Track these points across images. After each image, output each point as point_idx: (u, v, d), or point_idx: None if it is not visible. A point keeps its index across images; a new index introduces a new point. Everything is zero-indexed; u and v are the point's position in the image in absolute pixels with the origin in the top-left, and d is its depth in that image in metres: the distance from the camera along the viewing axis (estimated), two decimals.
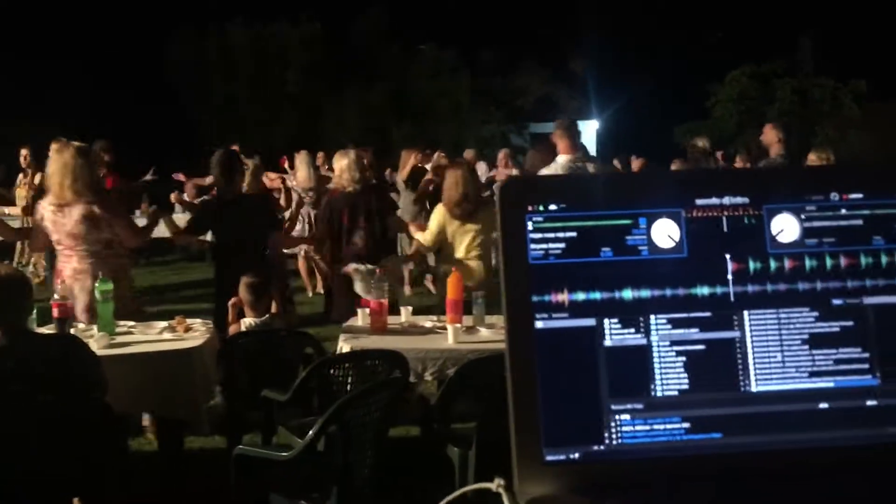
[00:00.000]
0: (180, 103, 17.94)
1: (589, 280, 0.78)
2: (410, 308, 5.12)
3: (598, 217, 0.78)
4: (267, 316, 4.91)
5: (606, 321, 0.78)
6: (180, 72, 18.23)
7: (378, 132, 12.69)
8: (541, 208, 0.77)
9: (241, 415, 4.49)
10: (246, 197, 6.19)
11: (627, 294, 0.78)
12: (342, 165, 6.06)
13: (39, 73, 16.61)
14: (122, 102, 16.82)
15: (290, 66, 19.30)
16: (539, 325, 0.77)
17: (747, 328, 0.79)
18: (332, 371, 4.26)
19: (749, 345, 0.79)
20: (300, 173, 9.10)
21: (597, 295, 0.78)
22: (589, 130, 19.65)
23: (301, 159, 9.23)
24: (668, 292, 0.79)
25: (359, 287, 5.41)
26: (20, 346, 3.22)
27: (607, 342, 0.78)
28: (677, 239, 0.79)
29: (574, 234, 0.78)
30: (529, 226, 0.77)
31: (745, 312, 0.80)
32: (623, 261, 0.78)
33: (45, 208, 4.79)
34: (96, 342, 4.17)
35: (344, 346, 4.55)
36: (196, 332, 4.55)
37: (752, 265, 0.80)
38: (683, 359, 0.79)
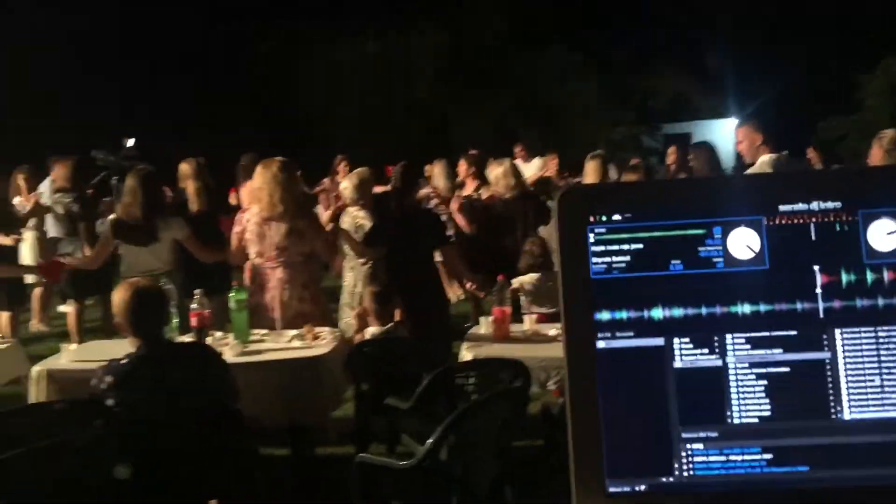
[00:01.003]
0: (311, 116, 18.59)
1: (657, 296, 0.71)
2: (534, 316, 5.05)
3: (666, 227, 0.72)
4: (391, 324, 4.98)
5: (676, 341, 0.71)
6: (312, 85, 18.90)
7: (506, 137, 12.64)
8: (603, 219, 0.72)
9: (367, 423, 4.56)
10: (420, 211, 6.25)
11: (700, 311, 0.71)
12: (498, 173, 6.13)
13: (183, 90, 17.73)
14: (252, 118, 17.64)
15: (419, 75, 19.65)
16: (601, 344, 0.71)
17: (839, 349, 0.71)
18: (454, 379, 4.26)
19: (841, 367, 0.71)
20: (440, 182, 9.19)
21: (666, 312, 0.71)
22: (726, 129, 18.85)
23: (439, 168, 9.35)
24: (747, 309, 0.71)
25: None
26: (158, 355, 3.41)
27: (677, 363, 0.71)
28: (757, 249, 0.72)
29: (640, 245, 0.72)
30: (591, 238, 0.72)
31: (837, 331, 0.71)
32: (695, 274, 0.72)
33: (250, 221, 5.00)
34: (230, 350, 4.36)
35: (466, 354, 4.55)
36: (324, 340, 4.66)
37: (844, 278, 0.71)
38: (764, 382, 0.71)
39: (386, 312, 5.03)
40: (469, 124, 18.28)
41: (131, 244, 5.26)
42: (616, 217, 0.72)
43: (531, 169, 9.97)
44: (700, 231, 0.72)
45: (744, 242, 0.72)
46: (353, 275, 5.98)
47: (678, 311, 0.71)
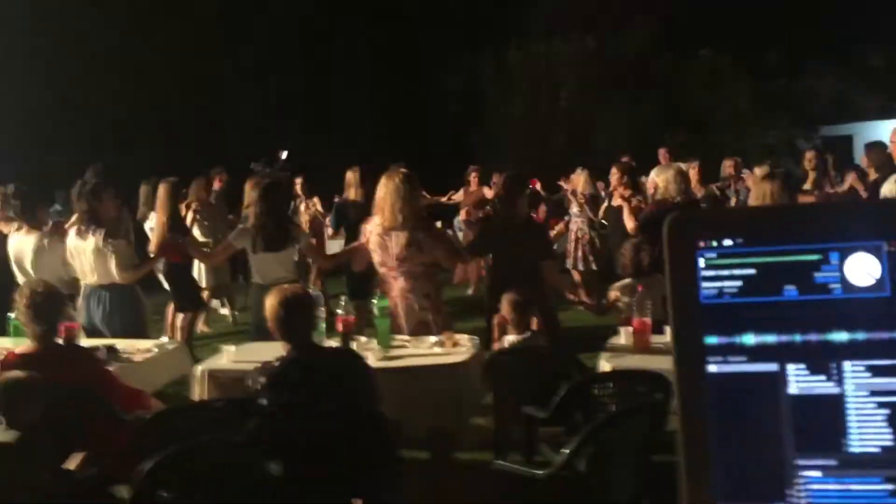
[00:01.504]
0: (457, 126, 18.89)
1: (771, 321, 0.71)
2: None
3: (780, 252, 0.71)
4: (529, 333, 5.00)
5: (791, 367, 0.71)
6: (458, 96, 19.19)
7: (650, 144, 12.37)
8: (714, 244, 0.72)
9: (505, 431, 4.61)
10: (528, 222, 6.29)
11: (816, 337, 0.70)
12: (667, 177, 6.08)
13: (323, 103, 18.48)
14: (399, 127, 18.12)
15: (563, 82, 19.53)
16: (712, 368, 0.71)
17: None
18: (592, 390, 4.22)
19: None
20: (584, 190, 9.18)
21: (780, 338, 0.71)
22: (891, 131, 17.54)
23: (584, 177, 9.35)
24: (867, 336, 0.70)
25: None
26: (306, 359, 3.59)
27: (792, 390, 0.71)
28: (878, 276, 0.70)
29: (752, 271, 0.72)
30: (701, 263, 0.72)
31: None
32: (811, 300, 0.71)
33: (372, 231, 5.18)
34: (373, 355, 4.52)
35: (605, 365, 4.50)
36: (463, 348, 4.74)
37: None
38: (886, 411, 0.69)
39: (523, 321, 5.06)
40: (613, 131, 18.00)
41: (259, 252, 5.42)
42: (727, 242, 0.72)
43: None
44: (816, 256, 0.71)
45: (863, 268, 0.70)
46: None
47: (793, 337, 0.71)
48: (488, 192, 9.61)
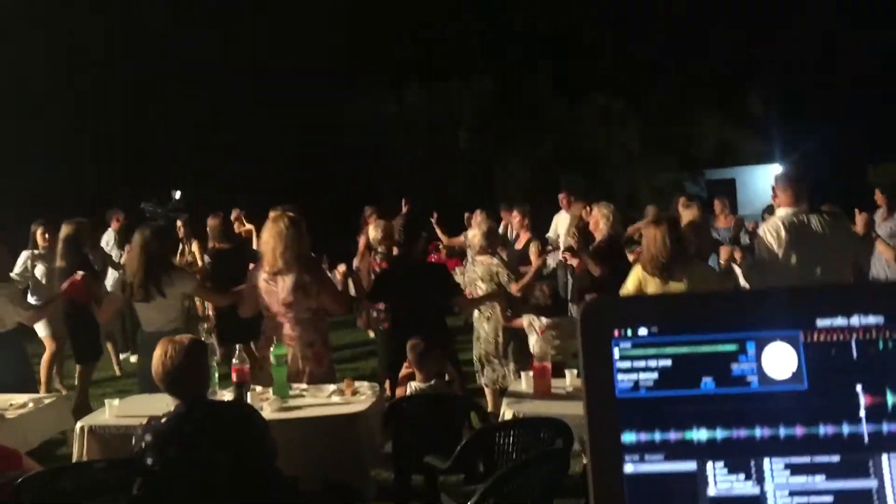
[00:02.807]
0: (356, 164, 18.84)
1: (688, 416, 0.67)
2: (576, 371, 4.97)
3: (696, 342, 0.68)
4: (434, 381, 4.94)
5: (710, 465, 0.67)
6: (357, 134, 19.18)
7: (549, 186, 12.64)
8: (629, 333, 0.68)
9: (406, 481, 4.50)
10: (424, 265, 6.25)
11: (735, 433, 0.67)
12: (606, 213, 6.21)
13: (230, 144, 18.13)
14: (301, 166, 17.92)
15: (462, 123, 19.84)
16: (629, 469, 0.67)
17: (887, 476, 0.66)
18: (495, 438, 4.18)
19: (890, 496, 0.65)
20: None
21: (698, 434, 0.67)
22: (771, 175, 18.55)
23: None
24: (785, 432, 0.67)
25: (533, 344, 5.36)
26: (195, 414, 3.40)
27: (711, 491, 0.67)
28: (794, 368, 0.67)
29: (668, 362, 0.68)
30: (616, 353, 0.68)
31: (885, 456, 0.66)
32: (728, 394, 0.67)
33: (260, 276, 5.02)
34: (269, 405, 4.35)
35: (507, 412, 4.47)
36: (363, 396, 4.63)
37: (891, 399, 0.66)
38: None
39: (427, 367, 5.00)
40: (510, 173, 18.34)
41: (137, 301, 5.28)
42: (642, 331, 0.68)
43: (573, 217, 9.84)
44: (732, 347, 0.68)
45: (780, 359, 0.68)
46: (492, 324, 5.99)
47: (711, 434, 0.67)
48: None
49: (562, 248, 8.55)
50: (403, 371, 5.22)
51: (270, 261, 4.93)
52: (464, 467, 4.15)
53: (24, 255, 7.41)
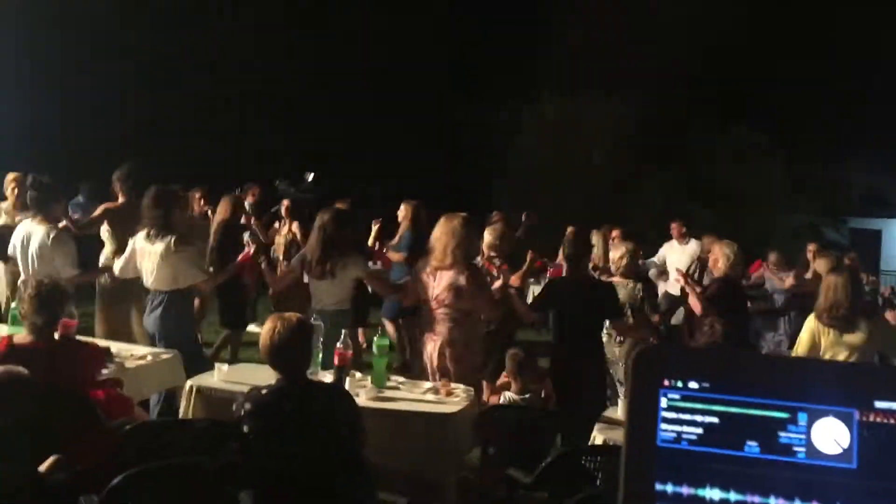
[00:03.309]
0: (478, 169, 18.94)
1: (728, 477, 0.67)
2: None
3: (747, 404, 0.67)
4: (529, 394, 4.94)
5: None
6: (484, 138, 19.26)
7: (679, 214, 12.32)
8: (679, 384, 0.69)
9: (488, 489, 4.52)
10: (594, 281, 6.22)
11: (774, 502, 0.66)
12: (728, 252, 6.10)
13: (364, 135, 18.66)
14: (428, 167, 18.19)
15: (597, 140, 19.60)
16: None
17: None
18: (581, 461, 4.14)
19: None
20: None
21: (734, 496, 0.67)
22: None
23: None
24: None
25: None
26: (293, 391, 3.55)
27: None
28: (845, 445, 0.66)
29: (715, 419, 0.68)
30: (663, 403, 0.69)
31: None
32: (773, 461, 0.67)
33: (424, 269, 5.22)
34: (366, 393, 4.47)
35: (598, 437, 4.41)
36: (456, 398, 4.67)
37: None
38: None
39: (525, 380, 5.00)
40: (639, 196, 17.97)
41: (313, 278, 5.50)
42: (693, 384, 0.68)
43: (686, 252, 9.50)
44: (784, 415, 0.67)
45: (831, 435, 0.66)
46: (624, 349, 5.95)
47: (749, 498, 0.67)
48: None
49: (672, 277, 8.37)
50: (501, 380, 5.24)
51: (438, 256, 5.10)
52: (546, 485, 4.13)
53: None
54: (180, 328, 5.54)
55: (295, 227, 8.94)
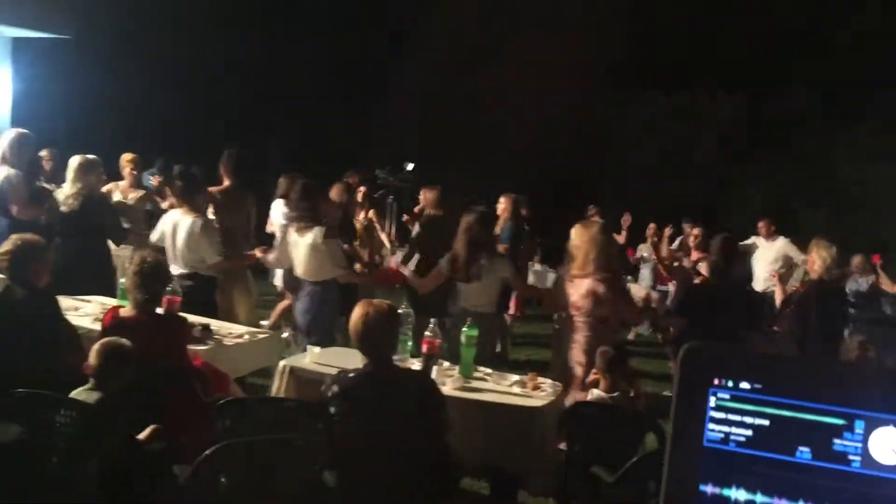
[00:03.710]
0: (580, 162, 18.68)
1: (775, 482, 0.64)
2: None
3: (801, 408, 0.64)
4: (617, 392, 4.85)
5: None
6: (588, 132, 18.97)
7: (787, 215, 11.83)
8: (729, 384, 0.66)
9: (571, 485, 4.47)
10: (743, 292, 6.12)
11: None
12: (825, 255, 5.91)
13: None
14: (525, 157, 18.04)
15: (704, 136, 19.05)
16: None
17: None
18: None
19: None
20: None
21: (781, 503, 0.64)
22: None
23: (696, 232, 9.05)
24: None
25: None
26: (380, 376, 3.61)
27: None
28: None
29: (766, 421, 0.65)
30: (712, 402, 0.67)
31: None
32: (825, 468, 0.63)
33: (565, 276, 5.33)
34: (452, 382, 4.50)
35: None
36: (543, 392, 4.65)
37: None
38: None
39: (613, 378, 4.92)
40: (745, 193, 17.35)
41: (458, 280, 5.57)
42: (744, 384, 0.66)
43: (770, 251, 9.20)
44: (840, 421, 0.64)
45: (889, 445, 0.63)
46: None
47: None
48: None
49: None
50: (590, 377, 5.19)
51: (580, 264, 5.19)
52: (630, 485, 4.06)
53: (277, 204, 7.92)
54: (316, 319, 5.75)
55: (372, 213, 9.00)
